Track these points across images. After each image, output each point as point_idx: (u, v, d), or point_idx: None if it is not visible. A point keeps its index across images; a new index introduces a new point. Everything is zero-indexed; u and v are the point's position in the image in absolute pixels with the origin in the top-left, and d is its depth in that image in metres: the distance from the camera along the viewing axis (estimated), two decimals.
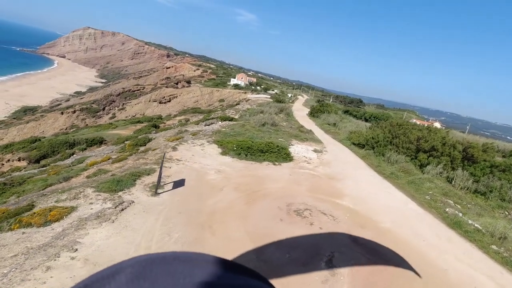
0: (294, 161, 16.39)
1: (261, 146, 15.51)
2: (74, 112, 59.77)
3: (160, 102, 61.92)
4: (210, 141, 16.48)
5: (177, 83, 74.66)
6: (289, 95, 75.34)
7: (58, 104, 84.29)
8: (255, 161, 14.84)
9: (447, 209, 12.42)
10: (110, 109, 62.38)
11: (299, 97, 72.12)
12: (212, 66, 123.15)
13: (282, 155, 16.02)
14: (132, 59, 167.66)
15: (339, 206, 11.30)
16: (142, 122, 34.73)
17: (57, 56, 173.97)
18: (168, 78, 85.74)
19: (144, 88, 74.81)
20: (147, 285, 0.29)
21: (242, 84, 78.91)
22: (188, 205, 9.17)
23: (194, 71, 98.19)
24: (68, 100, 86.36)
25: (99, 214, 7.45)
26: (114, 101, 65.62)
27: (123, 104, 64.71)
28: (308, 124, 32.77)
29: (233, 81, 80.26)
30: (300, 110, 46.95)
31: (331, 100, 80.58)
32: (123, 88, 74.90)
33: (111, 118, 57.70)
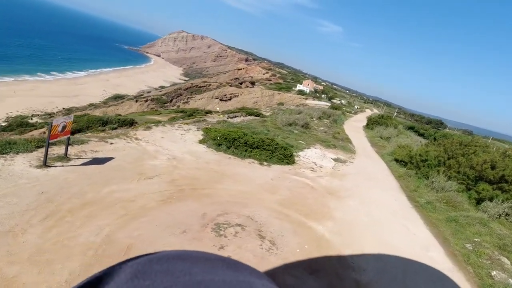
0: (294, 165, 12.72)
1: (252, 140, 12.31)
2: (146, 101, 63.90)
3: (221, 100, 62.21)
4: (200, 128, 13.88)
5: (241, 83, 74.63)
6: (356, 106, 68.68)
7: (141, 95, 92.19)
8: (236, 156, 11.71)
9: (493, 273, 7.52)
10: (176, 102, 65.20)
11: (367, 110, 65.00)
12: (282, 71, 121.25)
13: (278, 155, 12.52)
14: (214, 61, 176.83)
15: (306, 232, 7.52)
16: (185, 112, 34.14)
17: (154, 55, 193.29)
18: (236, 78, 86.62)
19: (210, 85, 76.70)
20: (147, 284, 0.28)
21: (307, 90, 74.90)
22: (71, 188, 6.66)
23: (263, 74, 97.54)
24: (149, 92, 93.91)
25: None
26: (181, 95, 68.53)
27: (188, 98, 67.03)
28: (357, 134, 27.90)
29: (298, 87, 76.88)
30: (359, 121, 41.39)
31: (394, 114, 70.97)
32: (191, 83, 77.95)
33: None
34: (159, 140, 11.31)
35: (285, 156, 12.73)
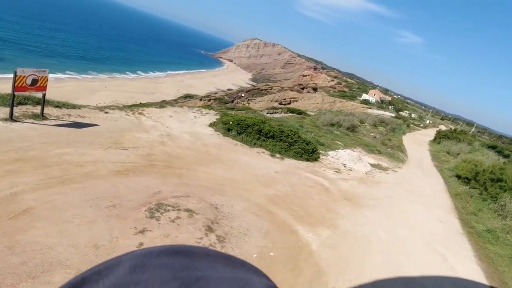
0: (315, 163, 10.65)
1: (267, 129, 10.66)
2: (209, 100, 65.91)
3: (280, 103, 60.88)
4: (217, 114, 12.72)
5: (302, 89, 72.26)
6: (427, 121, 60.68)
7: (209, 95, 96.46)
8: (245, 143, 10.19)
9: None
10: (237, 103, 66.00)
11: (441, 126, 56.81)
12: (350, 81, 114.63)
13: (297, 148, 10.62)
14: (283, 68, 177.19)
15: (284, 236, 5.66)
16: (233, 109, 33.80)
17: (227, 60, 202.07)
18: (300, 84, 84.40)
19: (271, 88, 75.92)
20: (145, 277, 0.28)
21: (373, 100, 68.89)
22: (20, 143, 5.98)
23: (328, 82, 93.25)
24: (216, 93, 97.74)
25: None
26: (242, 96, 69.17)
27: (248, 99, 67.25)
28: (418, 146, 23.91)
29: (364, 96, 71.27)
30: (426, 135, 35.88)
31: (472, 130, 60.35)
32: (253, 86, 78.18)
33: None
34: (164, 118, 10.41)
35: (305, 151, 10.74)
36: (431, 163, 18.26)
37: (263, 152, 10.10)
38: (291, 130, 11.45)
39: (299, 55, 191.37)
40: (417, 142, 26.86)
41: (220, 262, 0.33)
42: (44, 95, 7.11)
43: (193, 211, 5.28)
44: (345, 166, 11.41)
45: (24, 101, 7.55)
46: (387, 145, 17.77)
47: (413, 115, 65.67)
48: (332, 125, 18.24)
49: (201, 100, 69.26)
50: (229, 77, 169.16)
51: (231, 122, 10.84)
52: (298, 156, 10.54)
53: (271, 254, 4.96)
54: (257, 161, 9.27)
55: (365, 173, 11.40)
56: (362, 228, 6.94)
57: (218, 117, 12.06)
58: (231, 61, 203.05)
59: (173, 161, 7.40)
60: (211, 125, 10.99)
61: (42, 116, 7.17)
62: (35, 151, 5.84)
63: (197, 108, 13.04)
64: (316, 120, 18.72)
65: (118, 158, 6.64)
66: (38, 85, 6.79)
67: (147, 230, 4.44)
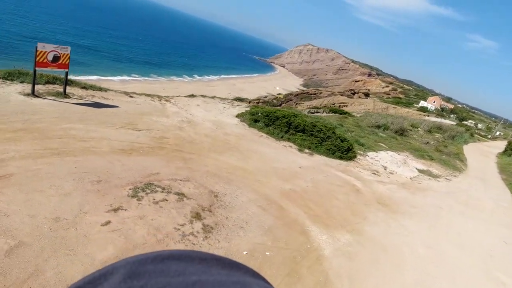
0: (349, 162, 9.39)
1: (298, 122, 9.74)
2: (258, 103, 66.27)
3: None
4: (248, 107, 12.10)
5: (353, 94, 68.53)
6: (497, 132, 52.93)
7: (258, 99, 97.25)
8: (271, 135, 9.37)
9: None
10: (285, 106, 65.07)
11: None
12: (406, 87, 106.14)
13: (329, 145, 9.49)
14: (336, 74, 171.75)
15: (290, 236, 4.73)
16: None
17: (279, 65, 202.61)
18: (351, 90, 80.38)
19: (321, 93, 73.34)
20: (140, 284, 0.28)
21: (432, 107, 62.52)
22: (32, 115, 5.94)
23: (382, 88, 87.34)
24: (266, 96, 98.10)
25: None
26: (291, 100, 67.89)
27: (296, 103, 65.73)
28: (482, 157, 20.69)
29: (421, 103, 65.12)
30: (495, 147, 31.01)
31: None
32: (303, 90, 76.38)
33: None
34: (190, 106, 10.06)
35: (339, 148, 9.53)
36: (497, 175, 15.44)
37: (290, 146, 9.15)
38: (325, 126, 10.32)
39: (353, 61, 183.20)
40: (482, 152, 23.30)
41: (216, 265, 0.32)
42: (66, 73, 7.10)
43: (184, 195, 4.62)
44: (385, 169, 9.92)
45: (53, 80, 7.68)
46: (442, 151, 15.44)
47: (479, 125, 58.15)
48: (378, 127, 16.46)
49: (249, 103, 69.99)
50: (280, 82, 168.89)
51: (259, 114, 10.10)
52: (330, 153, 9.38)
53: (267, 253, 4.07)
54: (281, 154, 8.37)
55: (410, 178, 9.78)
56: (394, 238, 5.65)
57: (247, 109, 11.41)
58: (283, 66, 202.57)
59: (185, 146, 6.88)
60: (238, 115, 10.37)
61: (64, 95, 7.17)
62: (43, 123, 5.72)
63: (229, 101, 12.53)
64: (360, 121, 17.09)
65: (127, 138, 6.30)
66: (60, 62, 6.78)
67: (122, 209, 3.88)
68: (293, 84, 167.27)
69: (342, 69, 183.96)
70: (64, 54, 6.82)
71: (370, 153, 11.02)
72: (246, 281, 0.30)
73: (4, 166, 4.17)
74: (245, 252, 3.94)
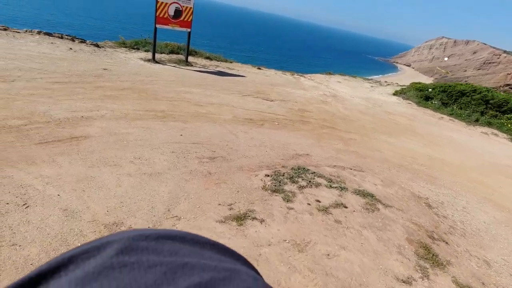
0: None
1: (501, 97, 5.94)
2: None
3: None
4: (403, 86, 8.75)
5: None
6: None
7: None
8: (457, 117, 5.95)
9: None
10: None
11: None
12: None
13: None
14: (479, 69, 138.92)
15: None
16: None
17: (404, 64, 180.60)
18: (508, 84, 61.55)
19: None
20: (132, 261, 0.26)
21: None
22: (147, 77, 4.62)
23: None
24: None
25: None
26: None
27: None
28: None
29: None
30: None
31: None
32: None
33: None
34: (330, 82, 7.60)
35: None
36: None
37: (494, 134, 5.41)
38: None
39: (505, 52, 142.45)
40: None
41: (209, 249, 0.31)
42: (189, 34, 5.70)
43: (376, 199, 2.10)
44: None
45: (177, 50, 6.59)
46: None
47: None
48: None
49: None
50: (403, 82, 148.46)
51: (430, 89, 6.70)
52: None
53: None
54: (486, 144, 4.85)
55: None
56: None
57: (394, 92, 8.08)
58: (409, 65, 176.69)
59: (337, 122, 4.40)
60: (396, 93, 7.31)
61: (186, 62, 5.82)
62: (154, 85, 4.27)
63: (375, 81, 9.46)
64: None
65: (255, 107, 4.27)
66: (181, 18, 5.40)
67: (262, 222, 1.62)
68: None
69: (489, 63, 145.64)
70: (187, 7, 5.40)
71: None
72: (237, 269, 0.28)
73: (86, 126, 2.60)
74: None
